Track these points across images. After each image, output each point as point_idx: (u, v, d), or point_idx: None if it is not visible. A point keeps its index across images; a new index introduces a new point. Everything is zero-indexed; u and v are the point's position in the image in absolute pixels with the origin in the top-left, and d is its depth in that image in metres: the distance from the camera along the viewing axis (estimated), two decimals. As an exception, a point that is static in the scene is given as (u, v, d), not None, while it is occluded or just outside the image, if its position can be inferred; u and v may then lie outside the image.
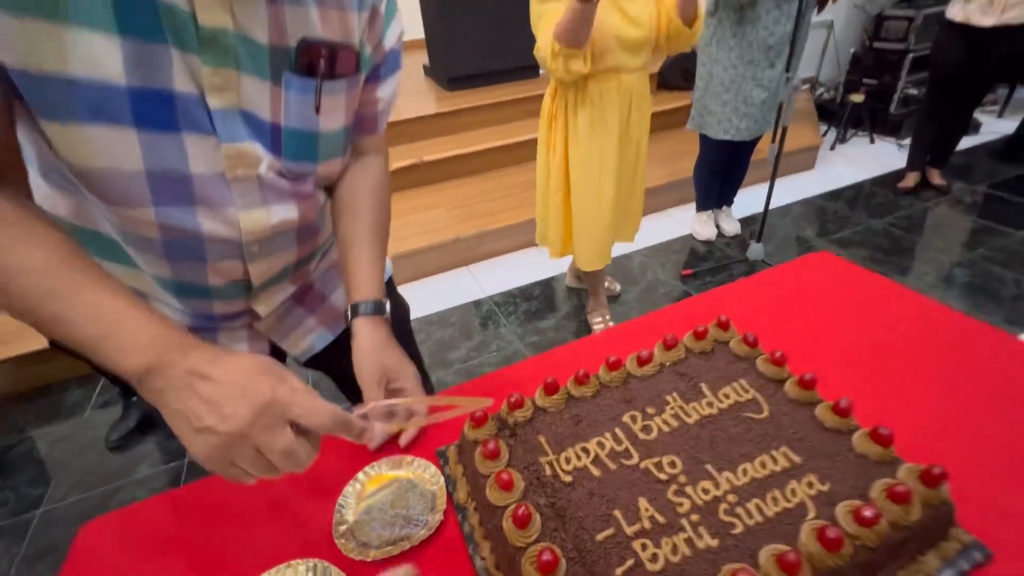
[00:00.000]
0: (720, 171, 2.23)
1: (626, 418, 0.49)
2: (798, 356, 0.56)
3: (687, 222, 2.51)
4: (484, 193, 2.71)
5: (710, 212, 2.42)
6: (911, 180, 2.70)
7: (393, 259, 2.16)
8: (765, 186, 2.11)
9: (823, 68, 4.07)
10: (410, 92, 3.93)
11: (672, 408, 0.50)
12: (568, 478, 0.44)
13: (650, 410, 0.50)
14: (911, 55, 3.17)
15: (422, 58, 4.22)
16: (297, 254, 0.63)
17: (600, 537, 0.39)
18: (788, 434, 0.46)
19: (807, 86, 3.96)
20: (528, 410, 0.51)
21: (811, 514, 0.40)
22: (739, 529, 0.39)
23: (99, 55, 0.37)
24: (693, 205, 2.44)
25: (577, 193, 1.51)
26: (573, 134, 1.44)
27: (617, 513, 0.41)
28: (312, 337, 0.72)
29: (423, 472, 0.52)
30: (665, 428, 0.48)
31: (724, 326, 0.58)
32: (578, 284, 2.14)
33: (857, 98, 3.30)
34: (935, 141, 2.64)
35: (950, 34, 2.30)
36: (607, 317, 1.88)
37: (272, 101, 0.47)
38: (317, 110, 0.50)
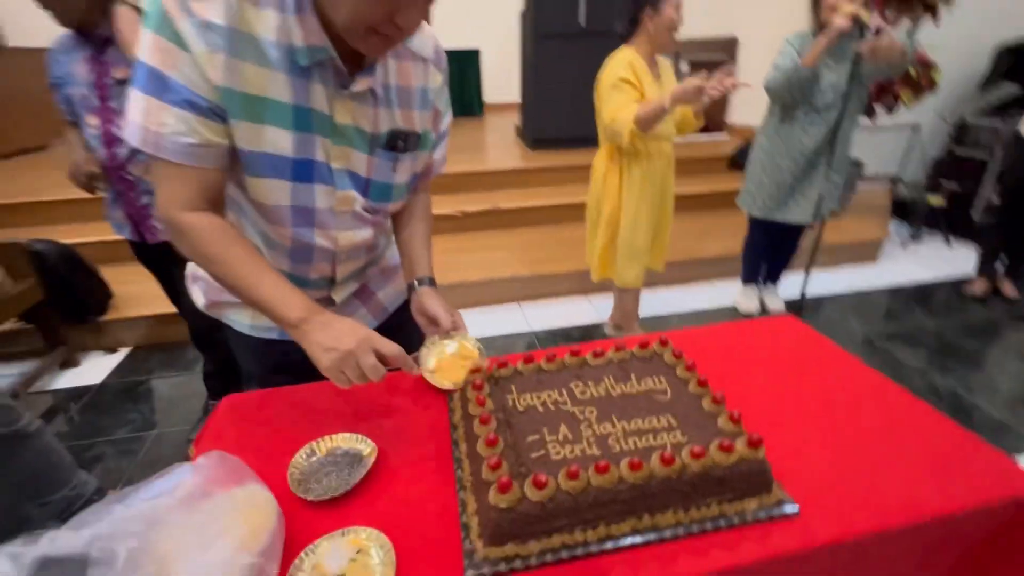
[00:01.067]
0: (764, 249, 2.38)
1: (572, 384, 0.73)
2: (725, 382, 0.77)
3: (734, 295, 2.65)
4: (545, 242, 3.02)
5: (755, 287, 2.54)
6: (979, 287, 2.65)
7: (456, 286, 2.50)
8: (819, 271, 2.23)
9: (907, 167, 4.07)
10: (500, 147, 4.43)
11: (605, 385, 0.73)
12: (521, 408, 0.68)
13: (590, 383, 0.73)
14: (994, 164, 3.15)
15: (516, 119, 4.74)
16: (365, 261, 0.94)
17: (528, 440, 0.63)
18: (676, 408, 0.67)
19: (887, 182, 3.97)
20: (508, 371, 0.76)
21: (670, 446, 0.61)
22: (616, 449, 0.61)
23: (281, 141, 0.68)
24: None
25: (625, 228, 1.88)
26: (628, 185, 1.83)
27: (544, 429, 0.64)
28: (365, 323, 1.01)
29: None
30: (595, 394, 0.71)
31: (664, 343, 0.80)
32: (616, 333, 2.34)
33: (935, 200, 3.30)
34: (1010, 251, 2.60)
35: (1021, 148, 2.35)
36: None
37: (367, 165, 0.78)
38: (394, 171, 0.81)
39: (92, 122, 1.44)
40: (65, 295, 2.14)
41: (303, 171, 0.72)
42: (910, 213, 3.47)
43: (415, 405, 0.82)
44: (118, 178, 1.50)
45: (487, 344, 2.27)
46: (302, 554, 0.56)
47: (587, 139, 3.96)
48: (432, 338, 0.86)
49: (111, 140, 1.45)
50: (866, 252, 3.14)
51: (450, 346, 0.86)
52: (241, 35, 0.61)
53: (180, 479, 0.55)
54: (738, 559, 0.55)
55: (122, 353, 2.33)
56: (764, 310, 2.55)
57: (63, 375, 2.19)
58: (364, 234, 0.85)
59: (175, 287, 1.73)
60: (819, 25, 1.89)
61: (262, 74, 0.63)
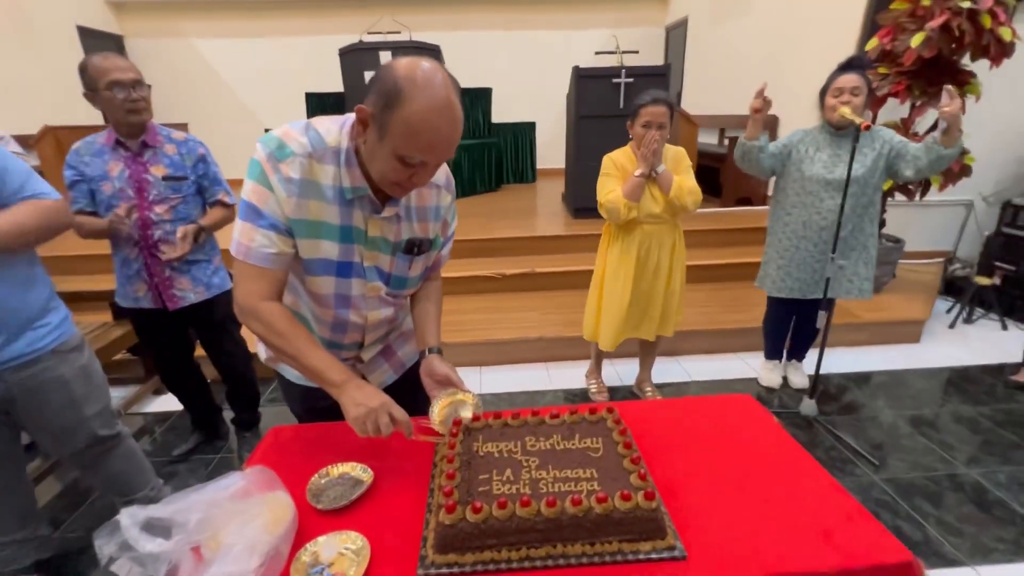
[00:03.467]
0: (782, 325, 2.45)
1: (526, 438, 0.92)
2: (668, 447, 0.93)
3: (758, 368, 2.69)
4: (576, 306, 3.21)
5: (777, 362, 2.58)
6: (1025, 375, 2.54)
7: (488, 344, 2.72)
8: (855, 349, 2.27)
9: (962, 245, 3.96)
10: (546, 213, 4.76)
11: (553, 440, 0.92)
12: (482, 453, 0.89)
13: (541, 438, 0.92)
14: (1048, 247, 3.04)
15: (562, 186, 5.08)
16: (387, 330, 1.20)
17: (480, 477, 0.83)
18: (600, 464, 0.85)
19: (938, 259, 3.88)
20: (481, 424, 0.97)
21: (584, 492, 0.79)
22: (543, 491, 0.80)
23: (329, 251, 0.97)
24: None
25: (605, 294, 2.18)
26: (610, 257, 2.13)
27: (494, 471, 0.84)
28: (386, 375, 1.26)
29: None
30: (542, 447, 0.90)
31: (610, 411, 0.99)
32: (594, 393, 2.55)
33: (984, 280, 3.21)
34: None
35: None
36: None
37: (389, 263, 1.05)
38: (409, 268, 1.08)
39: (121, 212, 1.68)
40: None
41: (345, 270, 1.00)
42: (962, 292, 3.37)
43: (411, 446, 1.03)
44: (149, 255, 1.79)
45: (510, 399, 2.50)
46: (307, 545, 0.78)
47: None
48: (440, 395, 1.08)
49: (146, 224, 1.75)
50: (908, 331, 3.07)
51: (457, 402, 1.07)
52: (309, 183, 0.91)
53: (233, 481, 0.80)
54: (625, 586, 0.71)
55: (201, 384, 2.74)
56: (788, 385, 2.57)
57: (154, 400, 2.60)
58: (387, 312, 1.12)
59: (186, 344, 2.06)
60: (824, 120, 2.07)
61: (321, 207, 0.93)
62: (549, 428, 0.96)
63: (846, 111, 1.89)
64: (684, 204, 1.99)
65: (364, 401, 0.91)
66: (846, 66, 1.98)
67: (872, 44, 2.91)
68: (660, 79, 3.88)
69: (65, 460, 1.58)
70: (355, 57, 5.43)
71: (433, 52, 5.59)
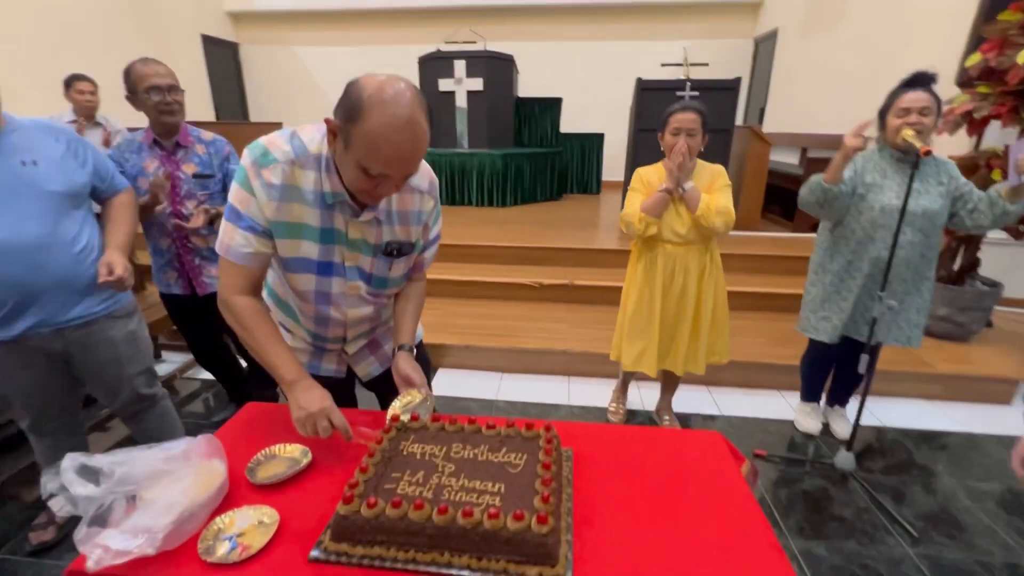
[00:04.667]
0: (821, 366, 2.22)
1: (455, 444, 0.93)
2: (616, 476, 0.90)
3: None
4: (609, 323, 3.13)
5: (815, 405, 2.35)
6: None
7: (508, 350, 2.72)
8: (925, 402, 2.04)
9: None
10: (603, 226, 4.69)
11: (479, 450, 0.92)
12: (405, 453, 0.91)
13: (468, 446, 0.93)
14: None
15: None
16: (369, 327, 1.25)
17: (392, 475, 0.85)
18: (513, 480, 0.84)
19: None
20: (418, 424, 0.99)
21: (483, 505, 0.78)
22: (444, 498, 0.80)
23: (309, 251, 1.04)
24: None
25: (629, 313, 2.10)
26: (636, 274, 2.05)
27: (407, 472, 0.86)
28: (372, 367, 1.32)
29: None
30: (465, 456, 0.90)
31: (548, 429, 0.96)
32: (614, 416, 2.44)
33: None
34: None
35: None
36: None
37: (370, 264, 1.11)
38: (389, 269, 1.13)
39: (161, 177, 1.85)
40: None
41: (325, 269, 1.07)
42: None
43: (356, 438, 1.08)
44: (181, 245, 1.95)
45: (524, 409, 2.48)
46: (228, 512, 0.84)
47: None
48: (403, 394, 1.12)
49: (178, 218, 1.91)
50: (997, 390, 2.66)
51: (415, 400, 1.10)
52: (290, 188, 0.98)
53: (178, 446, 0.88)
54: (497, 606, 0.70)
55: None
56: (830, 433, 2.33)
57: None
58: (366, 310, 1.18)
59: (215, 327, 2.17)
60: (885, 142, 1.86)
61: (303, 209, 1.00)
62: (480, 438, 0.96)
63: (909, 133, 1.69)
64: (713, 225, 1.86)
65: (306, 405, 0.98)
66: (911, 82, 1.76)
67: (973, 60, 2.57)
68: (728, 93, 3.69)
69: (115, 412, 1.81)
70: (432, 65, 5.69)
71: (506, 61, 5.73)
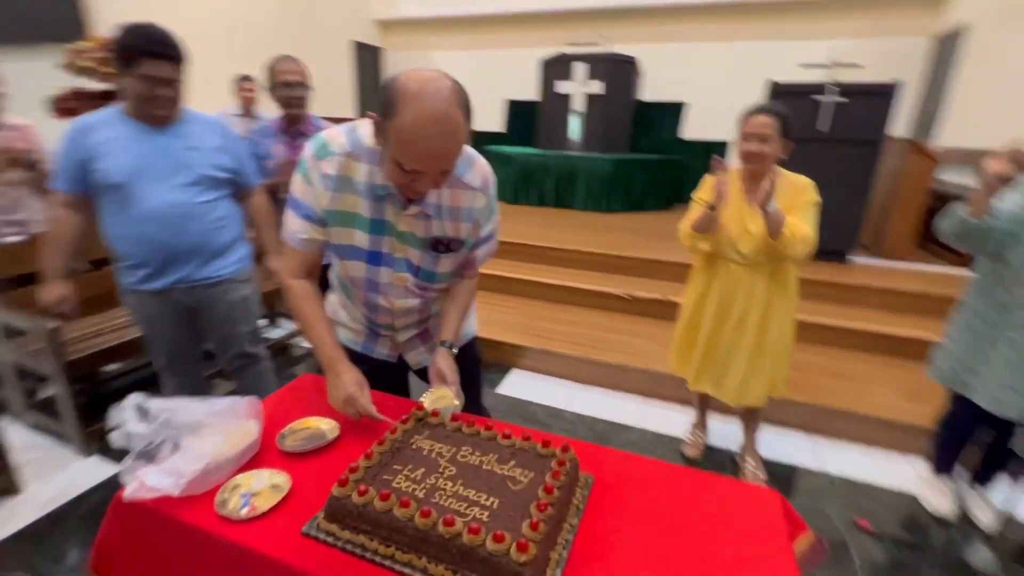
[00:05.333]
0: (962, 432, 1.79)
1: (464, 447, 0.90)
2: (633, 519, 0.82)
3: (915, 479, 2.03)
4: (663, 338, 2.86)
5: (949, 481, 1.90)
6: None
7: (586, 361, 2.60)
8: None
9: None
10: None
11: (486, 458, 0.87)
12: (414, 447, 0.90)
13: (477, 452, 0.89)
14: None
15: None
16: (417, 318, 1.26)
17: (393, 467, 0.85)
18: (508, 498, 0.78)
19: None
20: (437, 421, 0.98)
21: (468, 517, 0.74)
22: (433, 500, 0.77)
23: (360, 240, 1.08)
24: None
25: (680, 329, 2.04)
26: (695, 286, 1.94)
27: (409, 466, 0.85)
28: (422, 357, 1.34)
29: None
30: (470, 461, 0.87)
31: (565, 449, 0.89)
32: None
33: None
34: None
35: None
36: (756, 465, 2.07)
37: (418, 257, 1.11)
38: (436, 264, 1.13)
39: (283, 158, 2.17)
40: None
41: (374, 258, 1.11)
42: None
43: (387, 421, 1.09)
44: None
45: (591, 424, 2.38)
46: (250, 471, 0.90)
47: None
48: (434, 388, 1.13)
49: None
50: None
51: (444, 397, 1.10)
52: (344, 179, 1.03)
53: (223, 403, 0.97)
54: (460, 629, 0.65)
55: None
56: (969, 520, 1.87)
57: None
58: (412, 302, 1.20)
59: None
60: None
61: (355, 200, 1.04)
62: (492, 446, 0.91)
63: None
64: (795, 254, 1.62)
65: (333, 392, 1.05)
66: None
67: None
68: (880, 99, 3.17)
69: (223, 365, 2.08)
70: (553, 67, 5.72)
71: (628, 64, 5.55)
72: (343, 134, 1.03)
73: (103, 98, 4.16)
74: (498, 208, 1.22)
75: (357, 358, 1.32)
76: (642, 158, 5.53)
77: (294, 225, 1.08)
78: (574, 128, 5.77)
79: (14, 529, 1.67)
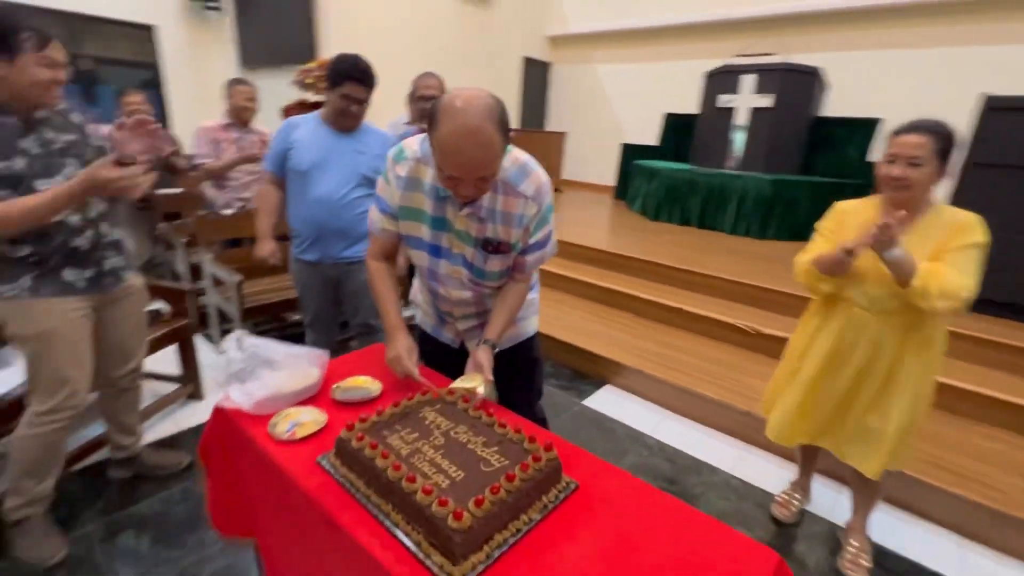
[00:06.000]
0: None
1: (461, 426, 0.99)
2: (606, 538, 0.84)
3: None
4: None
5: None
6: None
7: (685, 391, 2.46)
8: None
9: None
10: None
11: (476, 440, 0.95)
12: (419, 414, 1.02)
13: (471, 433, 0.97)
14: None
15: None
16: (475, 309, 1.38)
17: (394, 426, 0.98)
18: (477, 474, 0.85)
19: None
20: (453, 399, 1.09)
21: (430, 481, 0.83)
22: (413, 461, 0.88)
23: (424, 233, 1.23)
24: None
25: (785, 363, 1.79)
26: (809, 326, 1.69)
27: (407, 428, 0.97)
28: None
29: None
30: (460, 439, 0.95)
31: (548, 448, 0.92)
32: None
33: None
34: None
35: None
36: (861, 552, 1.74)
37: (471, 255, 1.23)
38: (485, 262, 1.23)
39: None
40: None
41: (435, 251, 1.27)
42: None
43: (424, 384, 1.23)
44: None
45: (673, 454, 2.29)
46: (301, 407, 1.12)
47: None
48: (469, 377, 1.24)
49: None
50: None
51: (476, 387, 1.20)
52: (413, 180, 1.20)
53: (300, 351, 1.22)
54: None
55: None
56: None
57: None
58: (466, 294, 1.32)
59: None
60: None
61: (422, 199, 1.21)
62: (485, 430, 0.99)
63: None
64: (932, 308, 1.33)
65: (388, 353, 1.25)
66: None
67: None
68: None
69: (352, 332, 2.47)
70: (718, 80, 5.40)
71: (806, 75, 4.97)
72: (417, 142, 1.20)
73: (318, 108, 5.24)
74: (553, 219, 1.28)
75: (427, 338, 1.51)
76: (812, 180, 4.88)
77: (375, 216, 1.29)
78: (736, 144, 5.35)
79: (194, 424, 2.24)
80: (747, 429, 2.36)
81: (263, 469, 1.02)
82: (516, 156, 1.19)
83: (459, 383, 1.19)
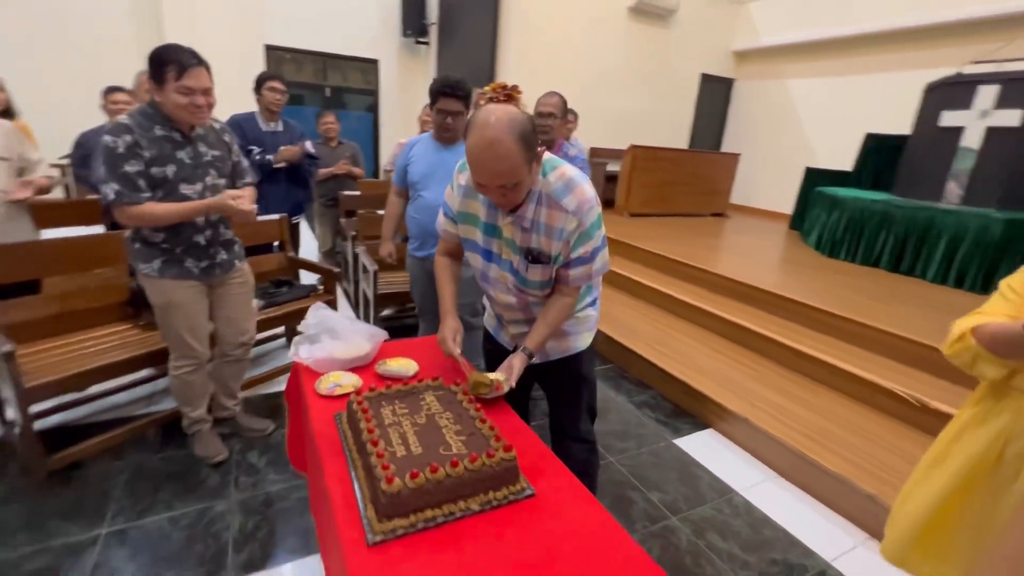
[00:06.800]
0: None
1: (448, 414, 1.09)
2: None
3: None
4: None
5: None
6: None
7: (794, 453, 2.14)
8: None
9: None
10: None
11: (452, 428, 1.04)
12: (419, 397, 1.14)
13: (452, 421, 1.06)
14: None
15: None
16: (522, 316, 1.44)
17: (397, 400, 1.12)
18: (435, 453, 0.94)
19: None
20: (456, 390, 1.18)
21: (390, 448, 0.95)
22: (390, 430, 1.01)
23: (478, 237, 1.35)
24: None
25: (923, 465, 1.31)
26: (960, 417, 1.25)
27: (403, 405, 1.10)
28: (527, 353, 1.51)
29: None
30: (440, 422, 1.05)
31: (507, 449, 0.96)
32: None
33: None
34: None
35: None
36: None
37: (516, 262, 1.31)
38: (527, 270, 1.30)
39: None
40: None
41: (487, 255, 1.39)
42: None
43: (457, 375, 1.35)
44: None
45: (762, 522, 2.13)
46: (346, 373, 1.34)
47: None
48: (497, 373, 1.34)
49: None
50: None
51: (500, 377, 1.30)
52: (471, 188, 1.34)
53: (361, 328, 1.45)
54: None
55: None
56: None
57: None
58: (511, 299, 1.41)
59: None
60: None
61: (477, 205, 1.34)
62: (467, 422, 1.07)
63: None
64: None
65: (439, 333, 1.40)
66: None
67: None
68: None
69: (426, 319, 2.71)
70: (941, 93, 4.42)
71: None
72: None
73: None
74: (600, 235, 1.29)
75: (489, 337, 1.64)
76: (1007, 217, 3.65)
77: (440, 219, 1.46)
78: (961, 172, 4.28)
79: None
80: (866, 516, 1.92)
81: (305, 415, 1.26)
82: (563, 172, 1.24)
83: (485, 374, 1.28)
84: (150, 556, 1.57)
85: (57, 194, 3.10)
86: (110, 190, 1.57)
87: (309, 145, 3.19)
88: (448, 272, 1.49)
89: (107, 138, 1.56)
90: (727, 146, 7.80)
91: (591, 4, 6.12)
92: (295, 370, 1.43)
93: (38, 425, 1.92)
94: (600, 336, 3.33)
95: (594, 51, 6.32)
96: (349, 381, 1.30)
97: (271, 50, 7.01)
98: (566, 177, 1.23)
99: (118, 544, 1.60)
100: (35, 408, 1.82)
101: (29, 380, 1.71)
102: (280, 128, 3.09)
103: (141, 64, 1.96)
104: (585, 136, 6.61)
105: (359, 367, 1.40)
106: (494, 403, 1.26)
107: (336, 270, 2.76)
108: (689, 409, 2.72)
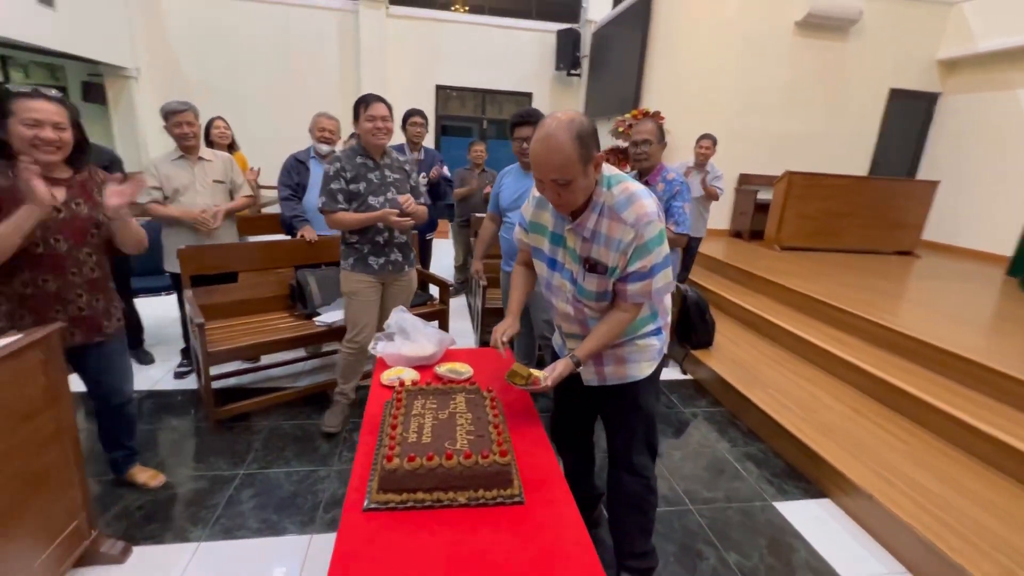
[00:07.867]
0: None
1: (470, 414, 1.19)
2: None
3: None
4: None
5: None
6: None
7: (928, 549, 1.77)
8: None
9: None
10: None
11: (469, 427, 1.14)
12: (451, 395, 1.27)
13: (470, 421, 1.16)
14: None
15: None
16: (579, 330, 1.47)
17: (431, 396, 1.26)
18: (441, 447, 1.05)
19: None
20: (485, 392, 1.28)
21: (405, 436, 1.09)
22: (412, 420, 1.15)
23: (545, 246, 1.43)
24: None
25: None
26: None
27: (434, 400, 1.24)
28: (589, 375, 1.50)
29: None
30: (458, 420, 1.16)
31: (504, 454, 1.02)
32: None
33: None
34: None
35: None
36: None
37: (576, 271, 1.36)
38: (584, 280, 1.34)
39: None
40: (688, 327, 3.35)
41: (552, 263, 1.47)
42: None
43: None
44: None
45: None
46: (409, 369, 1.53)
47: None
48: (544, 370, 1.40)
49: None
50: None
51: (541, 375, 1.36)
52: (543, 200, 1.43)
53: (432, 333, 1.64)
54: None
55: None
56: None
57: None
58: (568, 308, 1.45)
59: None
60: None
61: (547, 217, 1.43)
62: (482, 425, 1.15)
63: None
64: None
65: (494, 329, 1.49)
66: None
67: None
68: None
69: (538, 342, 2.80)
70: None
71: None
72: None
73: (622, 153, 5.78)
74: (661, 252, 1.28)
75: (554, 356, 1.70)
76: None
77: (516, 230, 1.57)
78: None
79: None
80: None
81: (368, 399, 1.48)
82: (627, 186, 1.28)
83: (527, 367, 1.35)
84: (267, 499, 1.95)
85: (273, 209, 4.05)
86: (320, 201, 2.13)
87: (445, 170, 3.62)
88: (521, 278, 1.59)
89: (326, 166, 2.16)
90: (925, 172, 6.48)
91: (749, 23, 5.72)
92: (379, 361, 1.68)
93: (219, 384, 2.52)
94: (712, 375, 3.09)
95: (750, 72, 5.87)
96: (408, 376, 1.49)
97: (440, 89, 8.05)
98: (629, 191, 1.25)
99: (248, 485, 2.03)
100: (217, 370, 2.40)
101: (212, 347, 2.28)
102: (421, 156, 3.57)
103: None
104: (738, 162, 6.14)
105: (424, 365, 1.58)
106: (525, 413, 1.32)
107: (450, 284, 3.07)
108: (803, 471, 2.36)
